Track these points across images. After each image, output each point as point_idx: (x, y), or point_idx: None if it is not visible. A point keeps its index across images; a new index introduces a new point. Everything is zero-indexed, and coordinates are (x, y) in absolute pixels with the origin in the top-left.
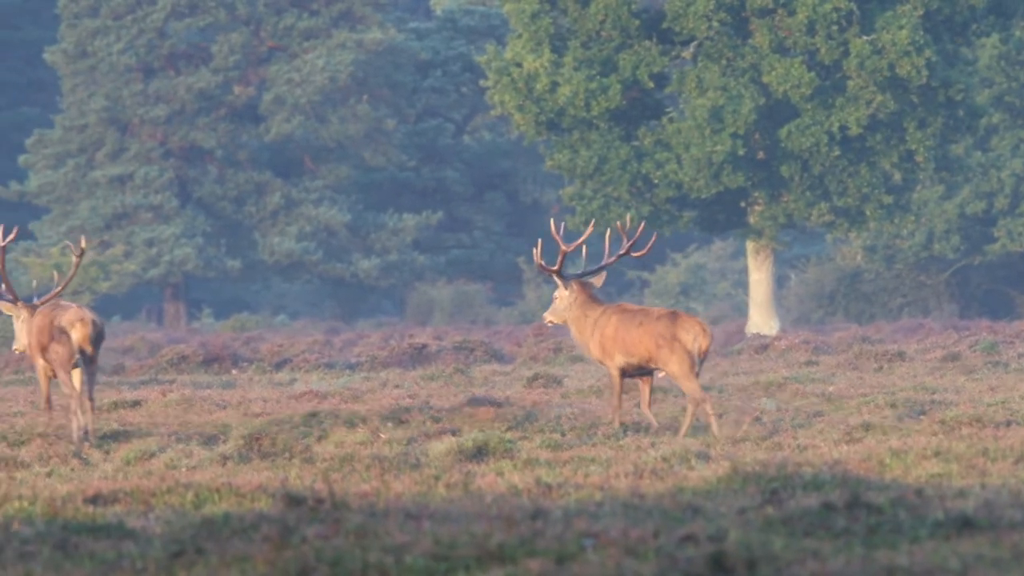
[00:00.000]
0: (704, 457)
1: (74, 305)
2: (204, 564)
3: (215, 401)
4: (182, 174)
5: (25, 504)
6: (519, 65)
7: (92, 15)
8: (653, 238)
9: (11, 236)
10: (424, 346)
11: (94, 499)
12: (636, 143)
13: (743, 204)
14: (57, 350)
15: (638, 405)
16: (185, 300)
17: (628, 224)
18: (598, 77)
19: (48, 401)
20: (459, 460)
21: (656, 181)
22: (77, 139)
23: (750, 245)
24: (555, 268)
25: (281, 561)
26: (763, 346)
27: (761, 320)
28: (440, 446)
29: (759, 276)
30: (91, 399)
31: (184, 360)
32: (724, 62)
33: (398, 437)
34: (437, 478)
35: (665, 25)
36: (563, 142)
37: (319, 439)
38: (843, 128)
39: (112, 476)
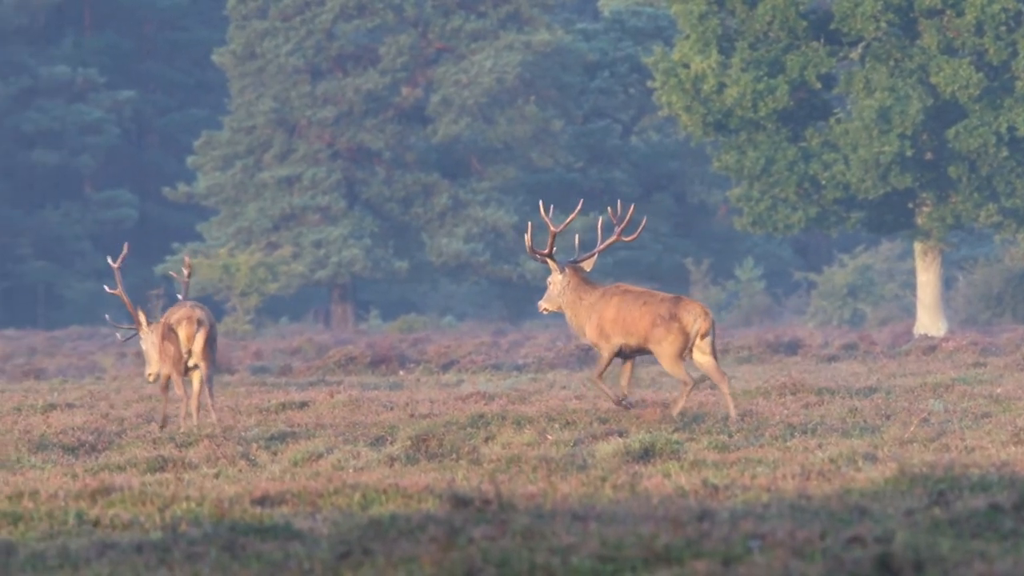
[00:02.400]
0: (871, 459)
1: (188, 304)
2: (371, 565)
3: (382, 402)
4: (350, 175)
5: (193, 505)
6: (687, 66)
7: (261, 16)
8: (643, 222)
9: (122, 256)
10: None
11: (261, 500)
12: (803, 144)
13: (911, 205)
14: (169, 348)
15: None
16: (353, 301)
17: (619, 209)
18: (766, 78)
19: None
20: (626, 461)
21: (823, 182)
22: (245, 140)
23: (918, 246)
24: (546, 251)
25: (447, 562)
26: (931, 347)
27: (929, 321)
28: (607, 447)
29: (927, 277)
30: (211, 397)
31: (351, 361)
32: (892, 63)
33: (565, 438)
34: (604, 479)
35: (833, 26)
36: (730, 143)
37: (486, 440)
38: (1011, 129)
39: (279, 477)
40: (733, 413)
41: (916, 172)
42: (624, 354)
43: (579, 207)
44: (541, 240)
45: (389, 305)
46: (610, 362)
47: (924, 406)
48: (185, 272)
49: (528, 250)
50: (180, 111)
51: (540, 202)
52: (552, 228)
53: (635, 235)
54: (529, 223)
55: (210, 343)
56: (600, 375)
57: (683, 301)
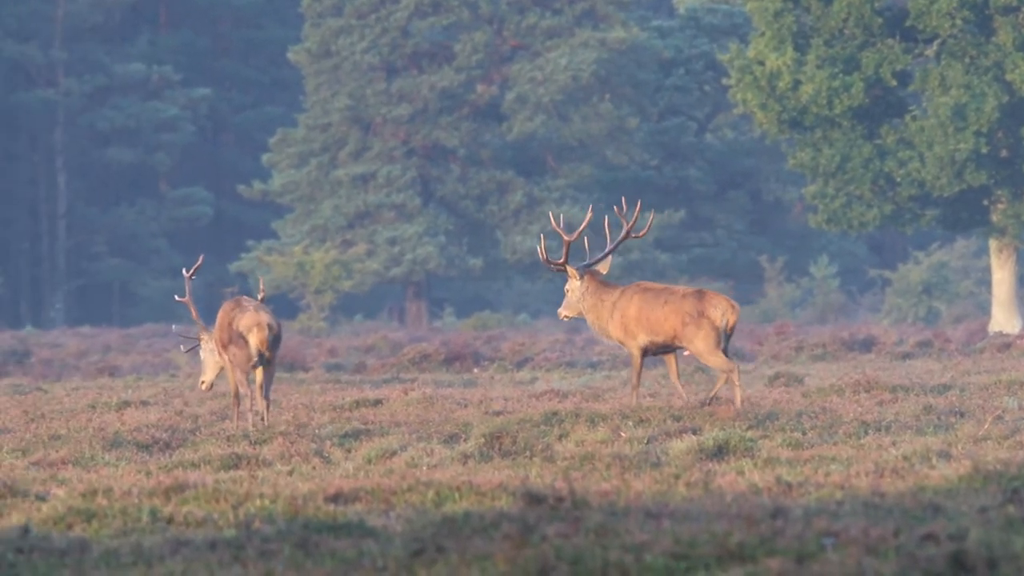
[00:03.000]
0: (945, 456)
1: (252, 307)
2: (444, 562)
3: (456, 400)
4: (424, 173)
5: (267, 502)
6: (762, 63)
7: (336, 14)
8: (651, 218)
9: (197, 265)
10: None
11: (335, 497)
12: (878, 141)
13: (986, 202)
14: (235, 353)
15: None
16: (427, 299)
17: (624, 208)
18: (841, 75)
19: (237, 396)
20: (699, 459)
21: (898, 179)
22: (320, 138)
23: (993, 243)
24: (562, 261)
25: (521, 559)
26: (1005, 344)
27: (1004, 318)
28: (680, 445)
29: (1002, 274)
30: (267, 398)
31: (426, 359)
32: (967, 60)
33: (638, 436)
34: (677, 477)
35: (908, 23)
36: (805, 140)
37: (560, 437)
38: None
39: (353, 475)
40: (739, 400)
41: (991, 169)
42: (653, 353)
43: (588, 216)
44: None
45: (463, 302)
46: (642, 365)
47: (998, 403)
48: (259, 296)
49: (543, 261)
50: (255, 109)
51: (550, 213)
52: (566, 238)
53: (644, 231)
54: (542, 236)
55: (275, 345)
56: (638, 380)
57: (707, 295)
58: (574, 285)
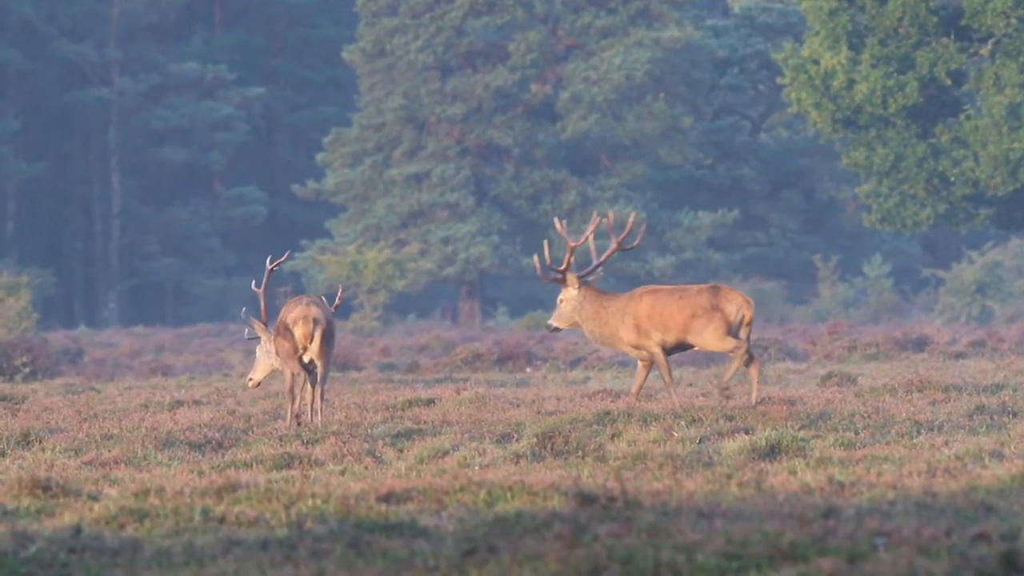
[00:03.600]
0: (998, 456)
1: (305, 301)
2: (496, 562)
3: (509, 399)
4: (478, 172)
5: (319, 502)
6: (816, 62)
7: (390, 14)
8: (643, 229)
9: (281, 259)
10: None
11: (387, 497)
12: (933, 140)
13: None
14: (280, 344)
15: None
16: (480, 298)
17: (610, 220)
18: (895, 74)
19: (291, 394)
20: (751, 458)
21: (952, 179)
22: (374, 137)
23: None
24: (563, 268)
25: (573, 559)
26: None
27: None
28: (733, 444)
29: None
30: (322, 397)
31: (478, 358)
32: (1022, 59)
33: (691, 435)
34: (729, 476)
35: (963, 22)
36: (860, 139)
37: (612, 437)
38: None
39: (405, 474)
40: (755, 395)
41: None
42: (669, 351)
43: (594, 222)
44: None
45: (516, 302)
46: (667, 360)
47: None
48: (336, 303)
49: (539, 274)
50: (309, 108)
51: (556, 219)
52: (570, 243)
53: (636, 243)
54: (545, 241)
55: (326, 340)
56: (670, 378)
57: (722, 290)
58: (571, 294)
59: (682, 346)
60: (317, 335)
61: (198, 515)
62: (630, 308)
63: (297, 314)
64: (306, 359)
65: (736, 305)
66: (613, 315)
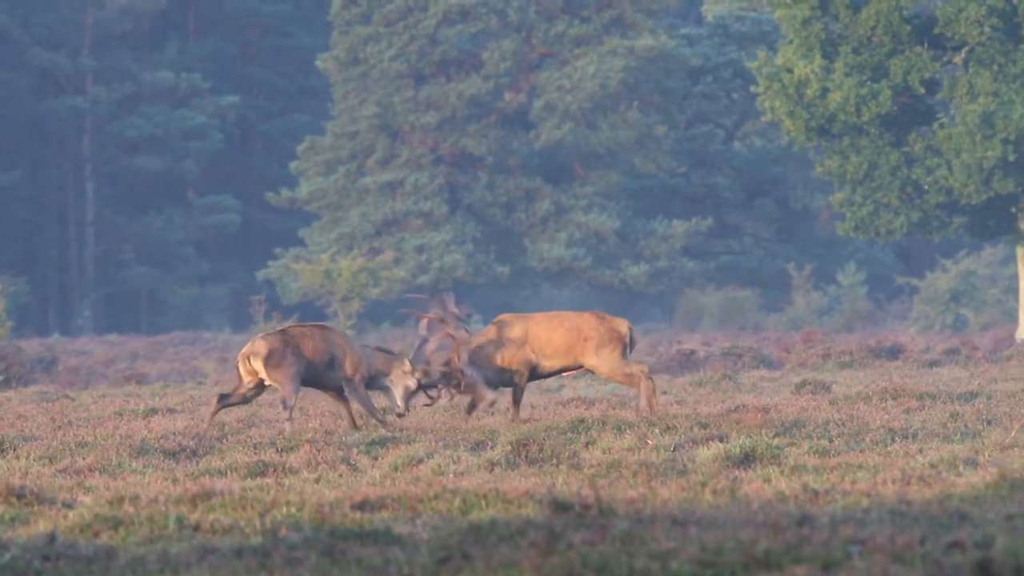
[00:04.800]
0: (972, 464)
1: (268, 333)
2: (470, 570)
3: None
4: (452, 180)
5: (293, 510)
6: (790, 71)
7: (364, 22)
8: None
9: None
10: (692, 352)
11: (361, 505)
12: (906, 149)
13: (1013, 210)
14: (232, 377)
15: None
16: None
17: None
18: (869, 83)
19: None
20: (726, 466)
21: (926, 187)
22: (348, 146)
23: (1020, 251)
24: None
25: (547, 567)
26: None
27: None
28: (707, 452)
29: None
30: (287, 409)
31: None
32: (996, 68)
33: (665, 443)
34: (704, 484)
35: (937, 30)
36: (833, 148)
37: (586, 445)
38: None
39: (379, 482)
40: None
41: (1019, 177)
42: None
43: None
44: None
45: (491, 309)
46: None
47: None
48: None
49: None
50: (283, 116)
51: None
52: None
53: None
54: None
55: (275, 367)
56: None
57: (607, 318)
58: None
59: (563, 370)
60: (258, 365)
61: (173, 523)
62: (506, 337)
63: (242, 352)
64: (267, 384)
65: (626, 327)
66: (488, 350)
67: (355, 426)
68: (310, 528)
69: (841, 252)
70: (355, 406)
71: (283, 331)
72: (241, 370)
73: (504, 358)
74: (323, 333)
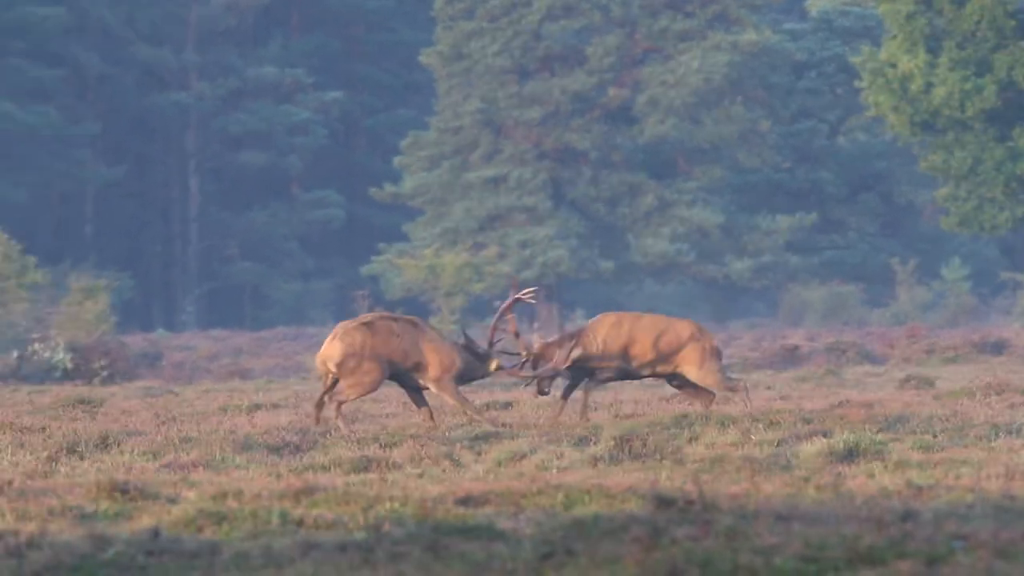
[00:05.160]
0: None
1: (343, 323)
2: (574, 565)
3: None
4: (556, 175)
5: (397, 505)
6: (894, 66)
7: (468, 17)
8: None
9: (528, 293)
10: (796, 347)
11: (465, 500)
12: (1011, 144)
13: None
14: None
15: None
16: (558, 301)
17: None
18: (973, 78)
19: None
20: (830, 462)
21: None
22: (452, 141)
23: None
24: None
25: (651, 562)
26: None
27: None
28: (811, 447)
29: None
30: (338, 407)
31: None
32: None
33: (769, 438)
34: (807, 479)
35: None
36: (937, 143)
37: (690, 440)
38: None
39: (483, 477)
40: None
41: None
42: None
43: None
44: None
45: (594, 305)
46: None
47: None
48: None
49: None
50: (387, 112)
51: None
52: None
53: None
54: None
55: (342, 363)
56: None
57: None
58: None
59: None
60: (333, 371)
61: (276, 518)
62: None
63: (328, 337)
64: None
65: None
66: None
67: (432, 422)
68: (413, 523)
69: (945, 247)
70: (450, 403)
71: (368, 324)
72: (320, 370)
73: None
74: (413, 331)
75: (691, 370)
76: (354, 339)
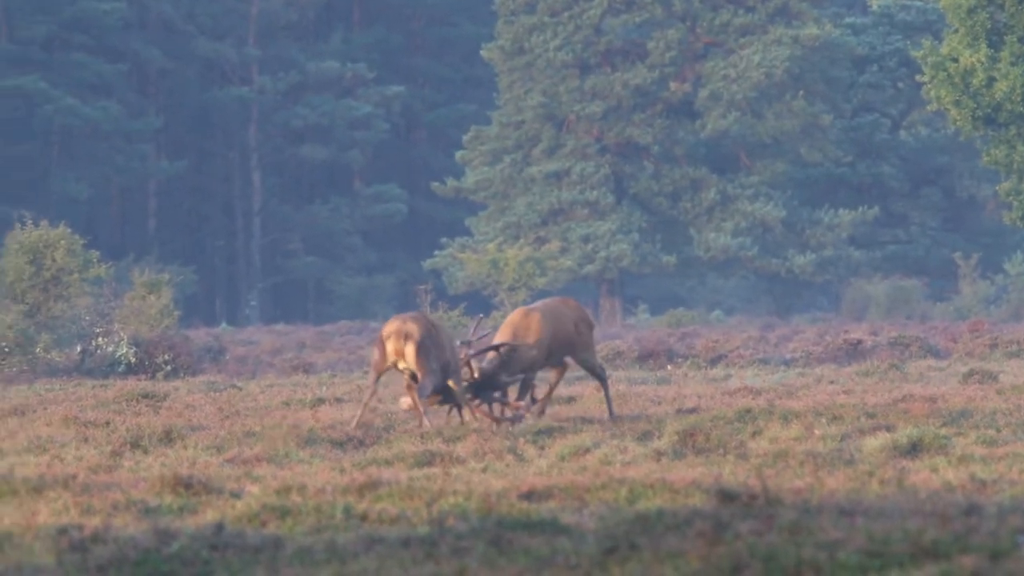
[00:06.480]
0: None
1: (412, 314)
2: (637, 560)
3: (650, 397)
4: (618, 170)
5: (460, 500)
6: (955, 60)
7: (529, 12)
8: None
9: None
10: (859, 342)
11: (528, 495)
12: None
13: None
14: (372, 352)
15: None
16: (620, 296)
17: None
18: None
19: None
20: (893, 456)
21: None
22: (513, 135)
23: None
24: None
25: (714, 557)
26: None
27: None
28: (874, 442)
29: None
30: (420, 403)
31: (619, 356)
32: None
33: (832, 433)
34: (871, 474)
35: None
36: (1000, 137)
37: (753, 435)
38: None
39: (546, 472)
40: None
41: None
42: None
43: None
44: None
45: (657, 300)
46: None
47: None
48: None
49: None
50: (449, 106)
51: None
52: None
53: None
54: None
55: (424, 353)
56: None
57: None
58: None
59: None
60: (409, 349)
61: (340, 512)
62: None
63: (390, 329)
64: (401, 367)
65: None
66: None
67: (463, 421)
68: (477, 518)
69: (1008, 241)
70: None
71: (423, 315)
72: (389, 348)
73: None
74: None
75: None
76: (423, 323)
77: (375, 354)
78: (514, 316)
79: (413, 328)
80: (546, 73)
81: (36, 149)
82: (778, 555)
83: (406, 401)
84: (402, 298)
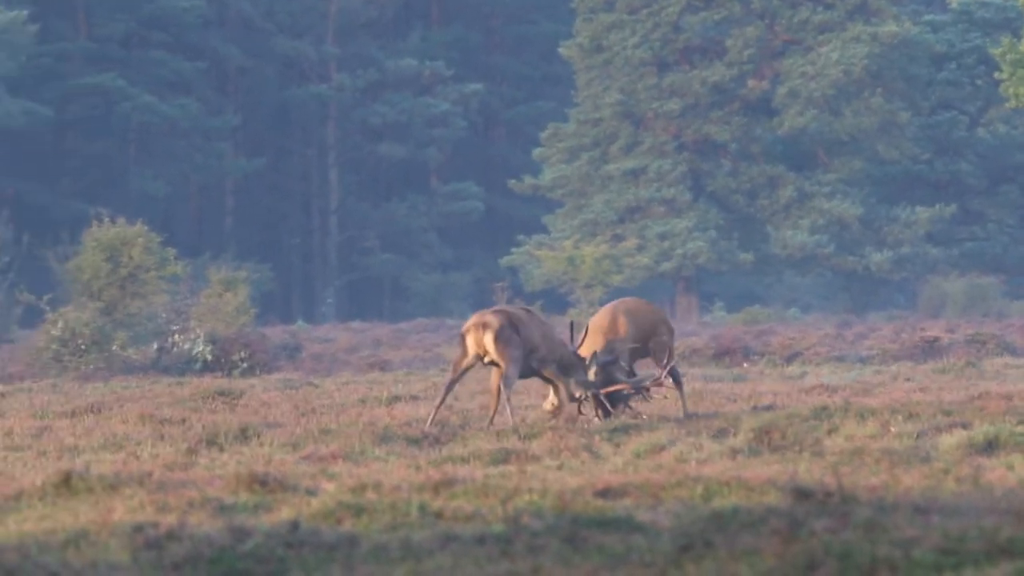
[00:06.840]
0: None
1: (493, 308)
2: (712, 558)
3: (725, 394)
4: (695, 167)
5: (535, 497)
6: None
7: (607, 9)
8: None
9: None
10: (936, 339)
11: (603, 492)
12: None
13: None
14: (454, 350)
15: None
16: (697, 293)
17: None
18: None
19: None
20: (969, 454)
21: None
22: (591, 133)
23: None
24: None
25: (789, 554)
26: None
27: None
28: (950, 439)
29: None
30: (498, 399)
31: (695, 353)
32: None
33: (908, 430)
34: (946, 471)
35: None
36: None
37: (829, 432)
38: None
39: (622, 469)
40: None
41: None
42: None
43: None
44: None
45: (733, 297)
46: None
47: None
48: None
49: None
50: (527, 103)
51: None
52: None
53: None
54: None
55: (504, 341)
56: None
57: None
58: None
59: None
60: (488, 338)
61: (415, 510)
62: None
63: (471, 323)
64: (487, 361)
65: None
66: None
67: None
68: (552, 515)
69: None
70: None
71: (506, 309)
72: (469, 341)
73: None
74: (531, 319)
75: None
76: (503, 314)
77: (456, 352)
78: (600, 318)
79: (491, 319)
80: (624, 71)
81: (114, 147)
82: (853, 553)
83: (551, 401)
84: (478, 295)
